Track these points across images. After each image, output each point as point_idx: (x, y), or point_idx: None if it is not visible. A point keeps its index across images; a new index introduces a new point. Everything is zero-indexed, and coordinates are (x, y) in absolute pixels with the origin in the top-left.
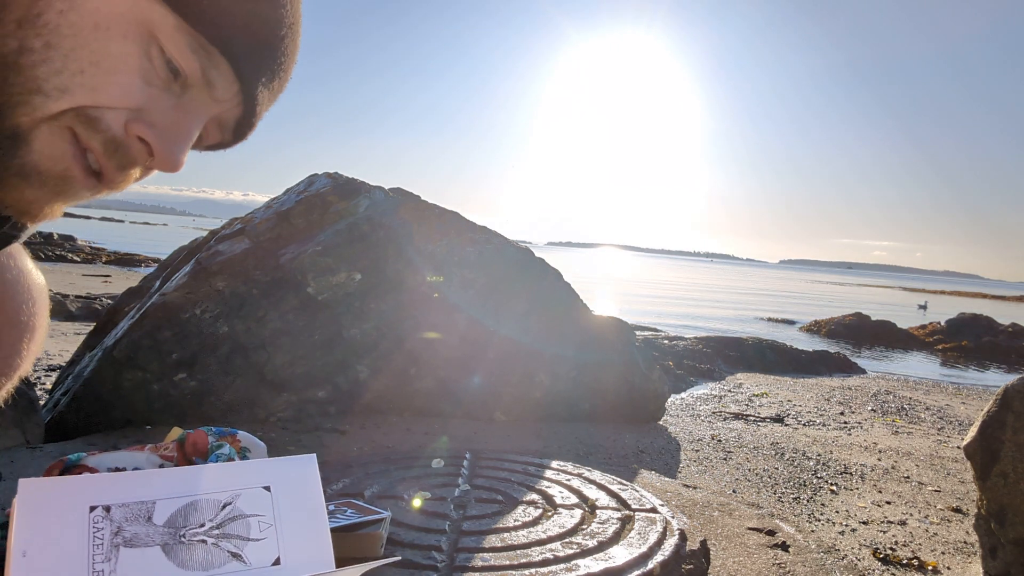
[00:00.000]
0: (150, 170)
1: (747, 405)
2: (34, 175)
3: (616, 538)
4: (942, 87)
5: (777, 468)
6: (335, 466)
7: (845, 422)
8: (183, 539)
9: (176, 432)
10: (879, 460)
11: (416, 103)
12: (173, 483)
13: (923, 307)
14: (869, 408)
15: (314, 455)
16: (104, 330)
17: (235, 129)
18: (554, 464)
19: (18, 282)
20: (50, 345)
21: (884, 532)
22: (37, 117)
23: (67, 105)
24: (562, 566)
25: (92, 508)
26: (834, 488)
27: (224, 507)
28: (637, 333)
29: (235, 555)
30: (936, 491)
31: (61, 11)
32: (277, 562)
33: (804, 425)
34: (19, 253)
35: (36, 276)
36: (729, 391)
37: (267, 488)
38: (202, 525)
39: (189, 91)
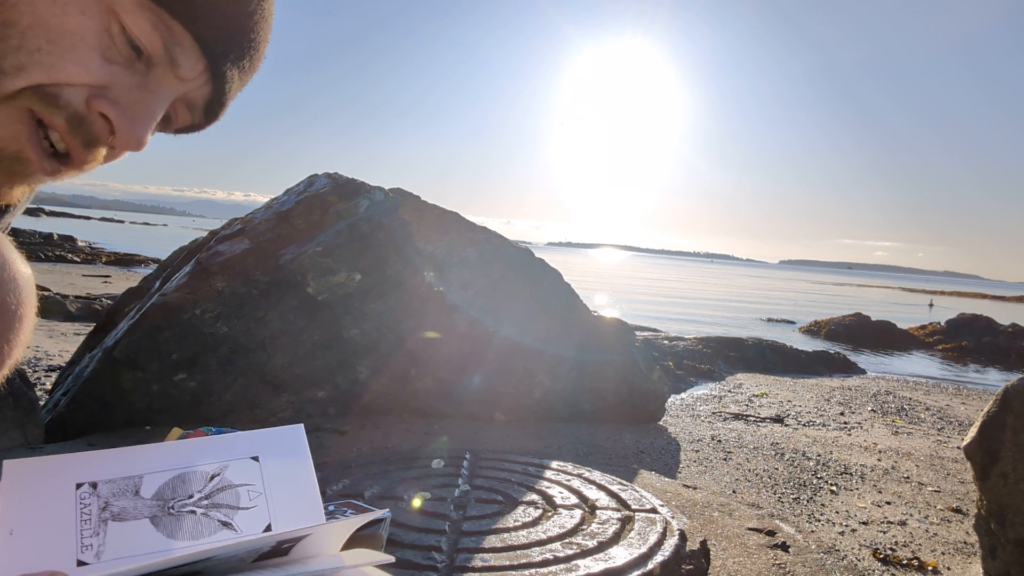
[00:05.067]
0: (116, 152)
1: (747, 405)
2: None
3: (616, 538)
4: (943, 87)
5: (777, 468)
6: (335, 466)
7: (845, 422)
8: (172, 511)
9: (176, 432)
10: (879, 460)
11: (417, 104)
12: (160, 457)
13: (931, 305)
14: (869, 408)
15: (301, 425)
16: (104, 330)
17: (205, 110)
18: (554, 464)
19: (3, 271)
20: (50, 345)
21: (884, 532)
22: None
23: (24, 83)
24: (562, 566)
25: (79, 485)
26: (834, 488)
27: (212, 478)
28: (637, 333)
29: (225, 524)
30: (936, 491)
31: None
32: (268, 529)
33: (804, 425)
34: (2, 243)
35: (21, 266)
36: (729, 391)
37: (255, 458)
38: (191, 496)
39: (153, 70)
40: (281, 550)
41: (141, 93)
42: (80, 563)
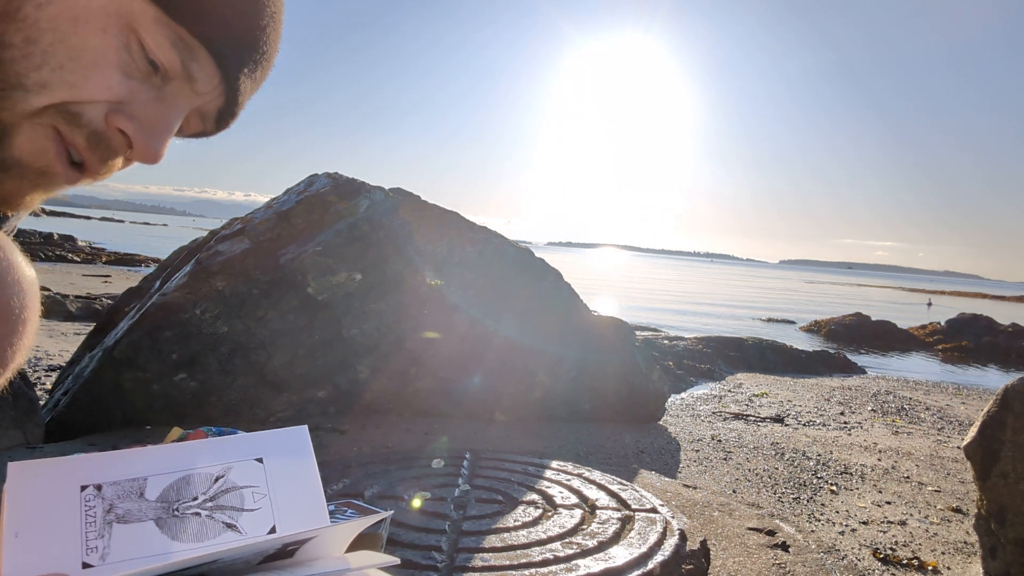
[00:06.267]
0: (131, 161)
1: (747, 405)
2: (15, 169)
3: (616, 538)
4: (944, 86)
5: (777, 468)
6: (335, 466)
7: (845, 422)
8: (176, 513)
9: (176, 432)
10: (879, 460)
11: (417, 103)
12: (164, 459)
13: (929, 304)
14: (869, 408)
15: (305, 427)
16: (104, 330)
17: (217, 119)
18: (554, 464)
19: (8, 274)
20: (50, 345)
21: (884, 532)
22: (18, 112)
23: (47, 101)
24: (562, 566)
25: (83, 487)
26: (834, 488)
27: (217, 480)
28: (637, 333)
29: (230, 526)
30: (936, 491)
31: (39, 5)
32: (273, 531)
33: (804, 425)
34: (7, 246)
35: (26, 269)
36: (729, 391)
37: (259, 460)
38: (195, 498)
39: (170, 84)
40: (286, 552)
41: (158, 107)
42: (85, 565)
